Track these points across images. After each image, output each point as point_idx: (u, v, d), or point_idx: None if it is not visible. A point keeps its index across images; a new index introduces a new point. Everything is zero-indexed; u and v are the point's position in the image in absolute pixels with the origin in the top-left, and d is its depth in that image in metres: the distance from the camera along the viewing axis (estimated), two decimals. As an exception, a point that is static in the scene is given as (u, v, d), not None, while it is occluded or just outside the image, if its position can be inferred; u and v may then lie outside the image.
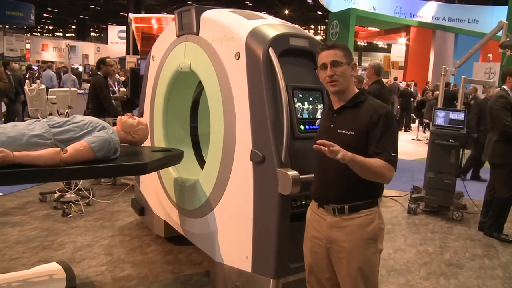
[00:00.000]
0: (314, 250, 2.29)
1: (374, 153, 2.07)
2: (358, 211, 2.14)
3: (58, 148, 2.59)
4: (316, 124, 2.86)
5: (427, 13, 22.03)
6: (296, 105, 2.85)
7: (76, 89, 7.22)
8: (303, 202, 2.79)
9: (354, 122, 2.13)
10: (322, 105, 2.97)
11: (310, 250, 2.31)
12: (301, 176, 2.58)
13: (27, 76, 13.68)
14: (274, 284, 2.75)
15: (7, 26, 16.99)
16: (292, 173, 2.57)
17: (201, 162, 4.00)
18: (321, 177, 2.25)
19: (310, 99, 2.95)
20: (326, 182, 2.20)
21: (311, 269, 2.34)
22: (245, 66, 2.90)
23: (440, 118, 5.61)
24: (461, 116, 5.56)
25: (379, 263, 2.24)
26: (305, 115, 2.89)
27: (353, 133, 2.12)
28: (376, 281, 2.21)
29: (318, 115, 2.94)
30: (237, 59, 2.96)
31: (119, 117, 3.16)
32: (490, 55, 9.78)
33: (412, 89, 16.28)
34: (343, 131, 2.14)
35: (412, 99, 15.09)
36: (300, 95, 2.89)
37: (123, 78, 9.86)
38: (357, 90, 2.22)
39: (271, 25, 3.07)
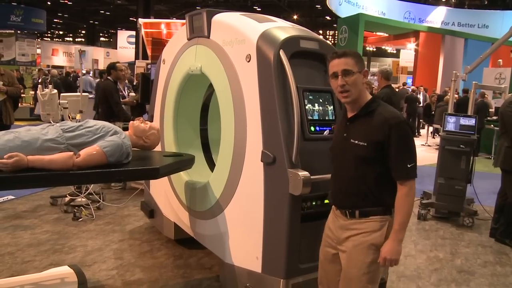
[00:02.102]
0: (325, 248, 2.36)
1: (394, 175, 2.12)
2: (368, 216, 2.18)
3: (71, 153, 2.61)
4: (324, 134, 2.87)
5: (436, 18, 21.95)
6: (307, 107, 2.87)
7: (87, 94, 7.26)
8: (314, 203, 2.81)
9: (366, 132, 2.14)
10: (332, 107, 2.99)
11: (322, 248, 2.39)
12: (311, 177, 2.60)
13: (39, 81, 13.91)
14: (284, 284, 2.75)
15: (19, 32, 17.30)
16: (303, 173, 2.58)
17: (211, 164, 4.01)
18: (336, 183, 2.32)
19: (321, 100, 2.96)
20: (340, 188, 2.26)
21: (322, 266, 2.40)
22: (256, 68, 2.92)
23: (451, 123, 5.59)
24: (472, 122, 5.53)
25: (385, 271, 2.25)
26: (316, 117, 2.90)
27: (365, 144, 2.12)
28: None
29: (329, 117, 2.95)
30: (248, 62, 2.98)
31: (131, 122, 3.18)
32: (500, 60, 9.76)
33: (421, 94, 16.21)
34: (356, 141, 2.15)
35: (418, 104, 15.02)
36: (310, 97, 2.91)
37: (135, 82, 9.96)
38: (369, 97, 2.22)
39: (282, 28, 3.09)
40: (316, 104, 2.92)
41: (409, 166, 2.08)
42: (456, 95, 12.39)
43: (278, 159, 2.73)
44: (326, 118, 2.95)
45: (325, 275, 2.38)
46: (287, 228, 2.69)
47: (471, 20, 21.94)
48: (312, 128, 2.85)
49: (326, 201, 2.86)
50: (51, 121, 5.34)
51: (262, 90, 2.87)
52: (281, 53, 2.81)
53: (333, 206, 2.37)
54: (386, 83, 5.97)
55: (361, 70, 2.17)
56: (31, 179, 2.48)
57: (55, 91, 5.56)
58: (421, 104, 15.35)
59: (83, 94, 6.25)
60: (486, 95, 12.59)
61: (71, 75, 17.98)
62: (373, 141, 2.10)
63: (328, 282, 2.37)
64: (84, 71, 17.44)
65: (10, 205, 5.31)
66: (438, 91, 16.89)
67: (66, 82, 15.13)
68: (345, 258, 2.21)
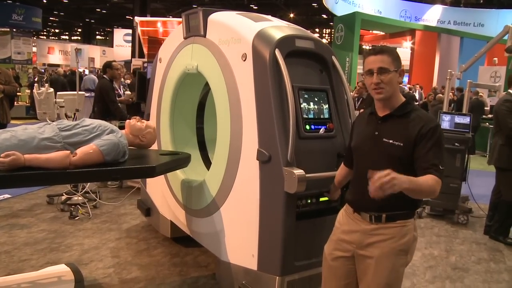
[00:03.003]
0: (335, 252, 2.29)
1: (424, 168, 2.01)
2: (395, 220, 2.12)
3: (68, 151, 2.62)
4: (320, 132, 2.89)
5: (432, 17, 22.01)
6: (302, 105, 2.88)
7: (84, 92, 7.27)
8: (309, 201, 2.83)
9: (403, 132, 2.09)
10: (327, 105, 3.01)
11: (330, 251, 2.32)
12: (306, 175, 2.62)
13: (35, 79, 13.94)
14: (279, 281, 2.77)
15: (14, 30, 17.31)
16: (298, 171, 2.60)
17: (207, 162, 4.03)
18: (360, 184, 2.14)
19: (316, 99, 2.98)
20: (365, 189, 1.98)
21: (329, 269, 2.32)
22: (251, 67, 2.94)
23: (446, 122, 5.62)
24: (466, 120, 5.56)
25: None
26: (311, 115, 2.92)
27: (401, 144, 2.07)
28: None
29: (324, 115, 2.97)
30: (244, 61, 3.00)
31: (127, 121, 3.19)
32: (495, 58, 9.80)
33: (417, 93, 16.27)
34: (390, 141, 2.10)
35: (415, 103, 15.08)
36: (305, 96, 2.92)
37: (128, 81, 10.01)
38: (403, 98, 2.19)
39: (277, 27, 3.11)
40: (311, 103, 2.94)
41: (441, 168, 2.02)
42: (451, 94, 12.46)
43: (273, 157, 2.75)
44: (321, 116, 2.97)
45: (332, 278, 2.32)
46: (283, 226, 2.71)
47: (467, 19, 22.00)
48: (307, 127, 2.86)
49: (322, 199, 2.89)
50: (47, 120, 5.35)
51: (257, 89, 2.89)
52: (277, 52, 2.82)
53: (346, 209, 2.30)
54: None
55: (397, 68, 2.12)
56: (28, 178, 2.48)
57: (51, 89, 5.56)
58: (417, 103, 15.40)
59: (80, 92, 6.26)
60: (481, 94, 12.64)
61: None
62: (409, 141, 2.06)
63: (335, 286, 2.30)
64: (80, 69, 17.45)
65: (6, 204, 5.31)
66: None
67: (71, 80, 15.13)
68: (372, 264, 2.13)
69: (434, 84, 18.63)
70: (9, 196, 5.58)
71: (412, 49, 20.74)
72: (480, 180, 7.19)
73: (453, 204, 5.53)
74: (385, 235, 2.12)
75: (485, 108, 11.84)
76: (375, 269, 2.13)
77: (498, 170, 4.96)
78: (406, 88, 16.56)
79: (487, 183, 6.18)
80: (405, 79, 21.54)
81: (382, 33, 22.45)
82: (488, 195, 5.28)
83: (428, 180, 1.98)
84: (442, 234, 5.08)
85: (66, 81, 14.55)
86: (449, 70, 6.35)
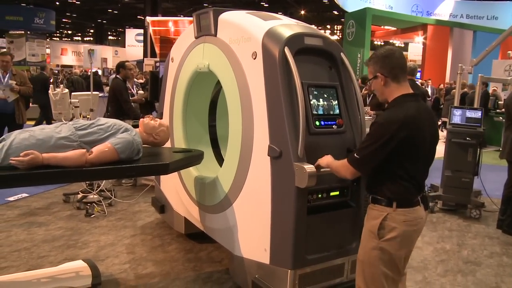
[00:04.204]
0: None
1: None
2: (375, 203, 2.33)
3: (84, 150, 2.70)
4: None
5: (444, 11, 21.78)
6: (312, 102, 2.93)
7: (98, 93, 7.39)
8: (319, 196, 2.88)
9: None
10: (336, 102, 3.05)
11: None
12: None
13: (51, 80, 14.16)
14: (291, 275, 2.81)
15: (29, 32, 17.58)
16: (308, 166, 2.65)
17: (219, 159, 4.09)
18: None
19: (325, 95, 3.01)
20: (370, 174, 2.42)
21: None
22: (262, 65, 2.98)
23: (457, 116, 5.62)
24: (478, 114, 5.55)
25: (388, 263, 2.28)
26: (320, 111, 2.96)
27: None
28: (373, 276, 2.30)
29: (334, 111, 3.02)
30: (254, 59, 3.05)
31: (141, 119, 3.26)
32: (510, 51, 9.71)
33: (429, 88, 16.15)
34: None
35: (428, 98, 14.94)
36: (315, 92, 2.96)
37: (141, 81, 10.13)
38: (396, 95, 2.33)
39: (287, 25, 3.15)
40: (320, 99, 2.98)
41: (356, 155, 2.27)
42: (466, 89, 12.35)
43: (284, 153, 2.79)
44: (331, 112, 3.01)
45: None
46: (294, 220, 2.76)
47: (480, 12, 21.71)
48: (317, 123, 2.91)
49: (332, 193, 2.93)
50: (63, 120, 5.47)
51: (268, 87, 2.93)
52: (286, 50, 2.87)
53: None
54: (409, 78, 6.06)
55: (374, 75, 2.35)
56: (47, 176, 2.57)
57: (66, 90, 5.68)
58: (429, 98, 15.28)
59: (94, 93, 6.37)
60: (495, 88, 12.51)
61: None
62: None
63: None
64: (94, 70, 17.61)
65: (24, 203, 5.43)
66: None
67: (93, 80, 15.28)
68: (362, 238, 2.41)
69: (447, 79, 18.48)
70: (27, 195, 5.70)
71: (424, 44, 20.59)
72: (493, 175, 7.15)
73: (465, 198, 5.53)
74: (369, 215, 2.37)
75: (499, 102, 11.73)
76: (361, 243, 2.40)
77: (510, 164, 4.94)
78: (418, 84, 16.45)
79: (500, 178, 6.16)
80: (417, 74, 21.39)
81: (393, 28, 22.30)
82: (501, 189, 5.26)
83: (341, 162, 2.40)
84: (454, 229, 5.09)
85: (83, 81, 14.74)
86: (459, 65, 6.32)
